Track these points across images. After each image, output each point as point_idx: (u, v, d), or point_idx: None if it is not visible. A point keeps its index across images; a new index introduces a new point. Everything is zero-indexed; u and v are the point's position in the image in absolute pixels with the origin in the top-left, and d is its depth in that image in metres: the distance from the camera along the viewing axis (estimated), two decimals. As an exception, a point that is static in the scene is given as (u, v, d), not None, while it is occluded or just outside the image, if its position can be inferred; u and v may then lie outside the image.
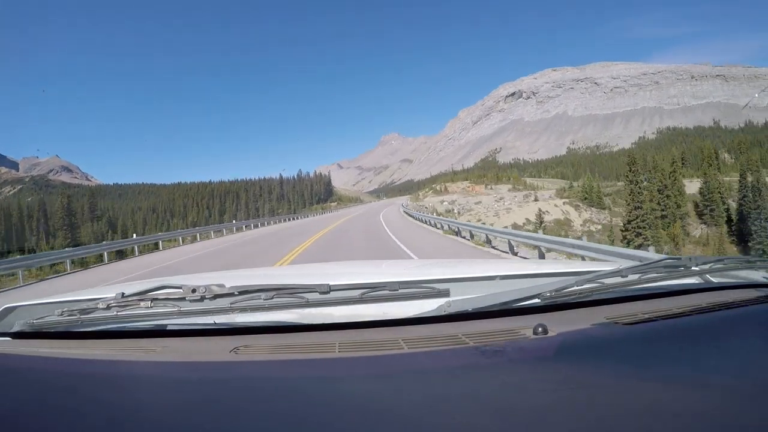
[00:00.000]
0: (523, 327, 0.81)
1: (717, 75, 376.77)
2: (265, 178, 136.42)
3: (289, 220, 43.28)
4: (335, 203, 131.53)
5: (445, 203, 58.43)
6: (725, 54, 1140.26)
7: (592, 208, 53.27)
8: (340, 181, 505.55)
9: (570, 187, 59.91)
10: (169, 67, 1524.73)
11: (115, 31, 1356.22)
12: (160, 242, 19.83)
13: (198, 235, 23.73)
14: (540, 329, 0.77)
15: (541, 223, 41.12)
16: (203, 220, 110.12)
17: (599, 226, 49.53)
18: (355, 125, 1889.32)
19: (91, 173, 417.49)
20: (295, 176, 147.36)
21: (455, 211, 51.01)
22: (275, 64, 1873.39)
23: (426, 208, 47.20)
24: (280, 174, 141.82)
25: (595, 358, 0.68)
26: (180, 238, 21.55)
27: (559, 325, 0.81)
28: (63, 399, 0.58)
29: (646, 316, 0.86)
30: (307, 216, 52.00)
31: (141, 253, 17.64)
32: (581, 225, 48.80)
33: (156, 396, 0.60)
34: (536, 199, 55.76)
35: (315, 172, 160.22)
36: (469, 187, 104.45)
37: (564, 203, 53.17)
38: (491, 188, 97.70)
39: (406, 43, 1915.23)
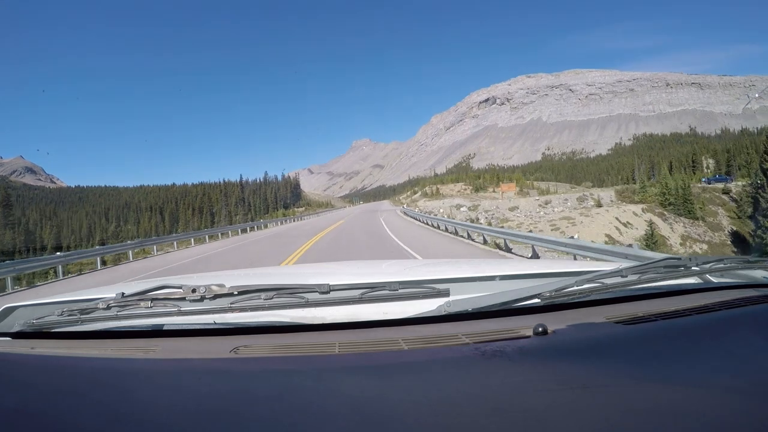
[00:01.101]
0: (523, 327, 0.81)
1: (692, 83, 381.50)
2: (229, 181, 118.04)
3: (239, 232, 26.68)
4: (303, 208, 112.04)
5: (463, 209, 40.47)
6: (698, 65, 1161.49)
7: (682, 218, 36.42)
8: (311, 186, 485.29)
9: (642, 188, 42.41)
10: (141, 70, 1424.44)
11: (84, 32, 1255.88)
12: (60, 267, 12.52)
13: (134, 251, 16.68)
14: (540, 329, 0.76)
15: (655, 242, 24.12)
16: (153, 228, 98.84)
17: (704, 245, 32.98)
18: (326, 130, 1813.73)
19: (57, 175, 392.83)
20: (261, 179, 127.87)
21: (481, 219, 33.63)
22: (246, 68, 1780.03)
23: (435, 215, 29.38)
24: (240, 175, 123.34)
25: (595, 358, 0.67)
26: (98, 259, 14.67)
27: (559, 325, 0.81)
28: (63, 399, 0.58)
29: (646, 316, 0.86)
30: (267, 226, 33.65)
31: (30, 283, 12.02)
32: (680, 243, 32.06)
33: (156, 396, 0.59)
34: (599, 205, 38.46)
35: (283, 175, 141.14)
36: (465, 187, 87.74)
37: (643, 210, 36.02)
38: (493, 191, 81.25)
39: (379, 48, 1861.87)
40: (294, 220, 44.76)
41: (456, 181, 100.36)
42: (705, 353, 0.69)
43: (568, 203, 40.83)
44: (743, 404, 0.51)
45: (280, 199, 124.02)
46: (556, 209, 38.76)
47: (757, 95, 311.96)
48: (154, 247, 18.48)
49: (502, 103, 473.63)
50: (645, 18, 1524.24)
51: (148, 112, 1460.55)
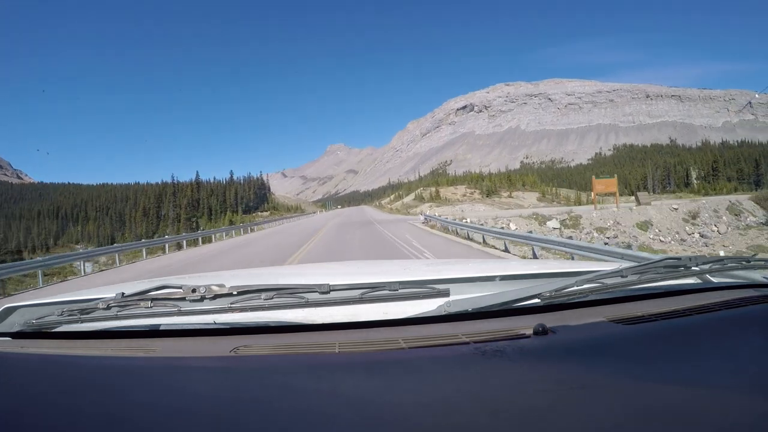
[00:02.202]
0: (523, 327, 0.81)
1: (672, 95, 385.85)
2: (190, 181, 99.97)
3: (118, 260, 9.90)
4: (268, 212, 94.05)
5: (551, 223, 24.06)
6: (678, 80, 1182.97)
7: None
8: (284, 190, 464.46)
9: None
10: (121, 66, 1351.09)
11: (57, 28, 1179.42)
12: None
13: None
14: (540, 329, 0.76)
15: None
16: (95, 231, 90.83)
17: None
18: (300, 134, 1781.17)
19: (25, 170, 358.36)
20: (225, 179, 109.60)
21: (575, 235, 17.76)
22: (223, 67, 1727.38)
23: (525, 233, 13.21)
24: (197, 173, 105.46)
25: (595, 358, 0.67)
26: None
27: (559, 325, 0.81)
28: (63, 399, 0.58)
29: (646, 316, 0.86)
30: (169, 247, 21.12)
31: None
32: None
33: (156, 396, 0.59)
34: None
35: (251, 176, 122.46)
36: (469, 190, 72.25)
37: None
38: (511, 196, 65.97)
39: (357, 53, 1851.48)
40: (234, 233, 27.54)
41: (453, 183, 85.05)
42: (705, 353, 0.69)
43: (723, 218, 25.67)
44: (743, 404, 0.51)
45: (241, 201, 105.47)
46: (714, 228, 23.44)
47: (757, 95, 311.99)
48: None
49: (480, 111, 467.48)
50: (626, 32, 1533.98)
51: (125, 110, 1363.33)
